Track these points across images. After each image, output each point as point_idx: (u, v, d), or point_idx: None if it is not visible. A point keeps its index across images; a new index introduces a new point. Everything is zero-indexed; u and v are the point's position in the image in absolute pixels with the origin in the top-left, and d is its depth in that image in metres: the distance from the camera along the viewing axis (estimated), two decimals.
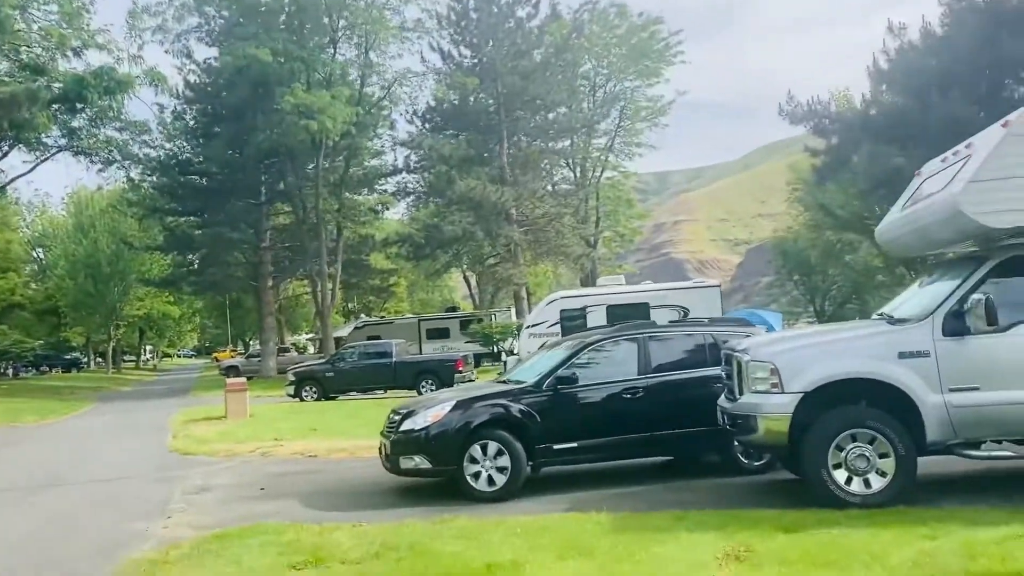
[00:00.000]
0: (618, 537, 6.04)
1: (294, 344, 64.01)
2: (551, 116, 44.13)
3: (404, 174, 43.74)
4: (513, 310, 44.54)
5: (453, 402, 8.96)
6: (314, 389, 27.18)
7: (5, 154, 33.18)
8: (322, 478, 10.98)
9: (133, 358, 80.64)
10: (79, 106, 30.61)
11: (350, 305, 66.49)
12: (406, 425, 9.00)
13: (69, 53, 29.65)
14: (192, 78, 41.24)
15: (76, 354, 70.00)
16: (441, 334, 41.73)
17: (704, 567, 5.20)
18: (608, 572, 5.23)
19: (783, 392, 7.00)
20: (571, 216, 41.80)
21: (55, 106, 29.40)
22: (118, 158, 36.20)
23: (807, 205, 44.04)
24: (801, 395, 6.93)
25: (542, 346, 27.11)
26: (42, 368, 62.08)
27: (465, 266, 52.98)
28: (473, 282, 65.44)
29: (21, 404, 29.09)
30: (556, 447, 8.86)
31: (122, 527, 8.52)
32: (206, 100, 41.47)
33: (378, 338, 35.67)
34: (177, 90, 39.76)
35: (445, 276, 66.76)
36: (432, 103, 43.53)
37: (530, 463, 8.78)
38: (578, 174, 50.72)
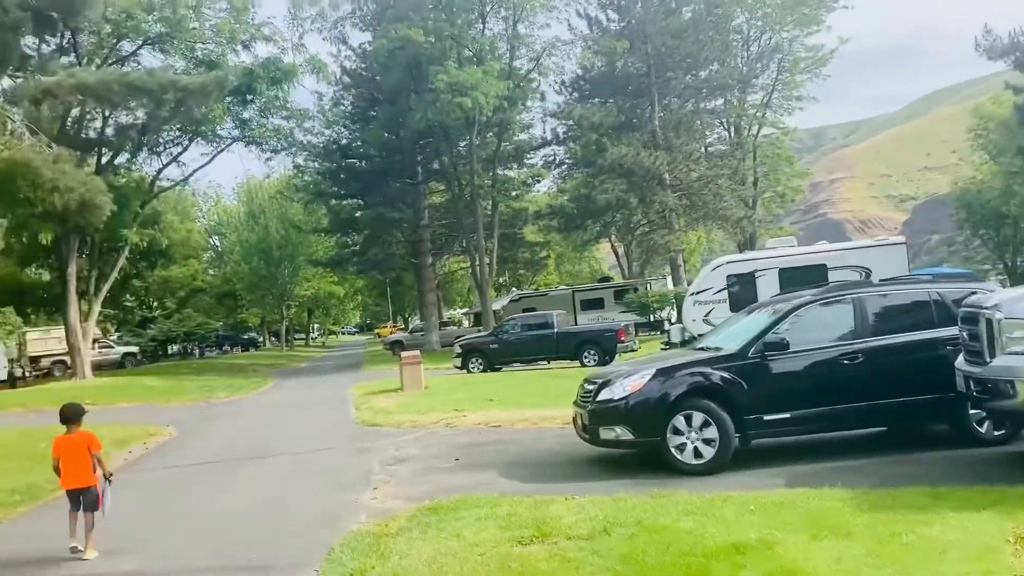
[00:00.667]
0: (873, 516, 5.48)
1: (450, 318, 65.60)
2: (703, 75, 42.47)
3: (553, 146, 43.51)
4: (669, 278, 43.49)
5: (652, 370, 8.57)
6: (480, 361, 27.65)
7: (186, 148, 35.60)
8: (514, 448, 10.90)
9: (302, 336, 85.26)
10: (249, 97, 32.28)
11: (501, 279, 67.23)
12: (603, 395, 8.70)
13: (239, 47, 31.36)
14: (348, 64, 42.59)
15: (252, 334, 74.76)
16: (595, 304, 41.40)
17: (995, 552, 4.58)
18: (878, 556, 4.71)
19: None
20: (728, 178, 40.12)
21: (228, 98, 31.12)
22: (285, 145, 38.02)
23: (996, 150, 40.23)
24: None
25: (708, 313, 26.33)
26: (224, 348, 66.67)
27: (614, 235, 52.20)
28: (621, 251, 64.61)
29: (212, 381, 31.21)
30: (767, 418, 8.32)
31: (332, 498, 8.73)
32: (362, 85, 42.71)
33: (534, 310, 35.87)
34: (335, 77, 41.19)
35: (593, 247, 66.34)
36: (579, 72, 42.90)
37: (738, 435, 8.27)
38: (732, 134, 48.65)
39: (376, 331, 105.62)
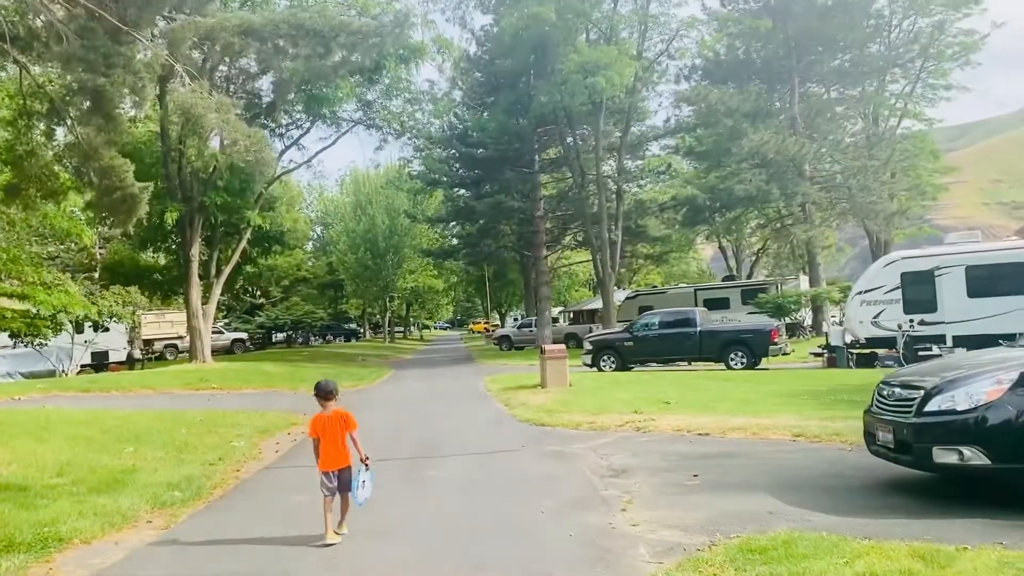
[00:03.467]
0: None
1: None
2: (846, 59, 39.33)
3: (679, 135, 40.88)
4: (804, 278, 40.46)
5: (1016, 372, 6.38)
6: (612, 359, 25.77)
7: (307, 131, 34.80)
8: (758, 465, 8.86)
9: (401, 329, 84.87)
10: (375, 77, 31.06)
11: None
12: (938, 404, 6.58)
13: (369, 20, 30.00)
14: (469, 48, 41.19)
15: (353, 325, 74.62)
16: (720, 304, 38.73)
17: None
18: None
19: None
20: (876, 170, 36.79)
21: (355, 78, 29.99)
22: (403, 131, 36.80)
23: None
24: None
25: (878, 315, 23.64)
26: (327, 337, 66.58)
27: (724, 233, 49.06)
28: (731, 251, 61.33)
29: (330, 369, 30.16)
30: None
31: (575, 518, 6.90)
32: (481, 69, 41.23)
33: (651, 308, 33.75)
34: (454, 61, 39.76)
35: (695, 247, 62.90)
36: (710, 56, 40.35)
37: None
38: (872, 123, 45.03)
39: (470, 326, 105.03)
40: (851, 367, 23.26)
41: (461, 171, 42.64)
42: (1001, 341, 22.09)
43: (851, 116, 43.23)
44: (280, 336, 60.56)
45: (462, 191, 43.86)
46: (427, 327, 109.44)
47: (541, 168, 42.33)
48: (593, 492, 7.95)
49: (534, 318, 44.80)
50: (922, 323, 22.65)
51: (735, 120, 35.84)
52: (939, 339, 22.59)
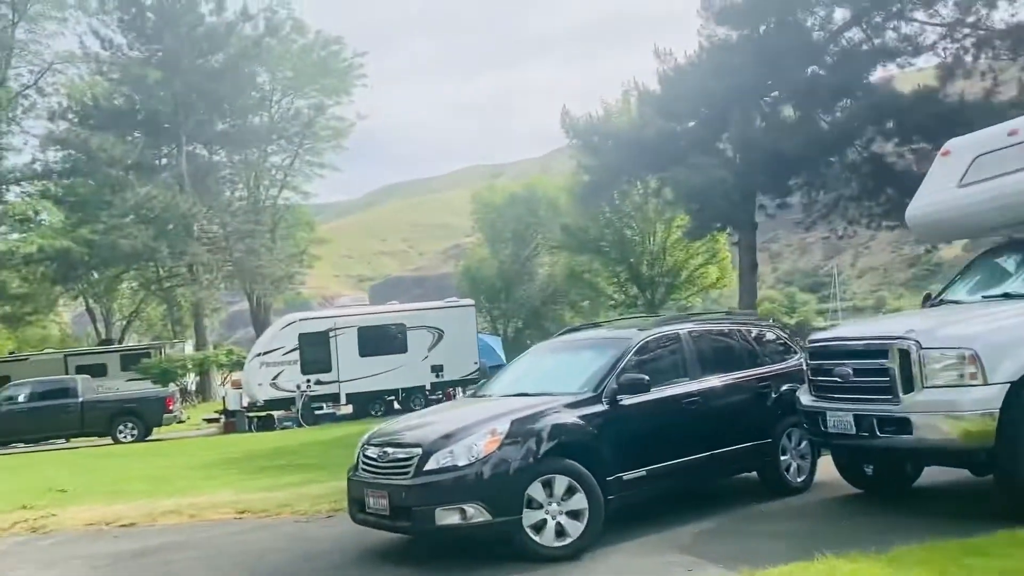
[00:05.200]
0: None
1: None
2: (234, 124, 39.78)
3: (52, 180, 35.61)
4: (191, 341, 38.77)
5: (507, 422, 6.42)
6: None
7: None
8: (218, 555, 7.45)
9: None
10: None
11: None
12: (438, 462, 6.24)
13: None
14: None
15: None
16: (96, 372, 34.69)
17: None
18: None
19: (986, 384, 5.93)
20: (263, 235, 37.63)
21: None
22: None
23: (492, 231, 45.30)
24: (1008, 385, 5.92)
25: (277, 376, 23.78)
26: None
27: (100, 292, 44.95)
28: (99, 312, 56.16)
29: None
30: (626, 477, 6.82)
31: None
32: None
33: (8, 378, 28.63)
34: None
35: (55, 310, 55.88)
36: (88, 100, 36.53)
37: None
38: (254, 191, 46.20)
39: None
40: (252, 431, 22.83)
41: None
42: (387, 396, 24.24)
43: (237, 181, 43.69)
44: None
45: None
46: None
47: None
48: None
49: None
50: (319, 383, 23.45)
51: (118, 171, 32.96)
52: (334, 397, 23.71)
